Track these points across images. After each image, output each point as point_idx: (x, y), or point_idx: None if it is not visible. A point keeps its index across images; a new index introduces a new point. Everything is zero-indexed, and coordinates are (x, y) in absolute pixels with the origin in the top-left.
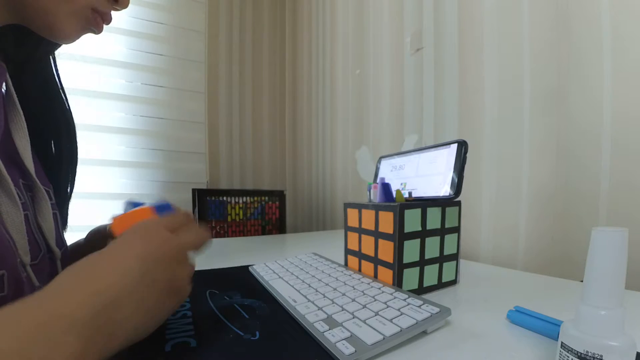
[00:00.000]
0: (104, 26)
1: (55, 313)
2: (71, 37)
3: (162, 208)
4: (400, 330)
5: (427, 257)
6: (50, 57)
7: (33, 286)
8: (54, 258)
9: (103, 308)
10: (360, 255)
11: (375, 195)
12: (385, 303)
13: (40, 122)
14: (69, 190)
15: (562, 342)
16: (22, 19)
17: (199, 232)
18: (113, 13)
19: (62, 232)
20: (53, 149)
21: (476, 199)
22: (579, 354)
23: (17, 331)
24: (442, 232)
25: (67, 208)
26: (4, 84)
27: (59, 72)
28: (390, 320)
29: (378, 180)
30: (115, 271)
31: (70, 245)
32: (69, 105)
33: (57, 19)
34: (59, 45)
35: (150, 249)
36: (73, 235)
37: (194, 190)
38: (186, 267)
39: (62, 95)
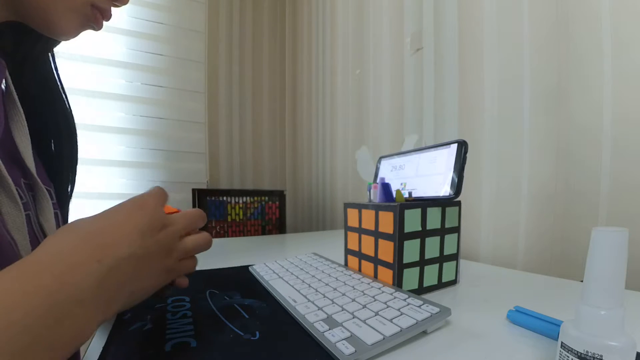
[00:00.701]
0: (104, 23)
1: (64, 281)
2: (70, 34)
3: None
4: (400, 330)
5: (427, 257)
6: (50, 55)
7: None
8: None
9: (106, 275)
10: (360, 255)
11: (375, 195)
12: (385, 303)
13: (40, 120)
14: (69, 189)
15: (562, 342)
16: (20, 16)
17: (195, 216)
18: (113, 10)
19: None
20: (53, 148)
21: (476, 199)
22: (579, 354)
23: (31, 301)
24: (442, 232)
25: (68, 207)
26: (3, 81)
27: (59, 71)
28: (390, 320)
29: (378, 180)
30: (116, 239)
31: None
32: (69, 104)
33: (55, 16)
34: (58, 42)
35: (148, 220)
36: None
37: (194, 190)
38: (177, 246)
39: (62, 94)
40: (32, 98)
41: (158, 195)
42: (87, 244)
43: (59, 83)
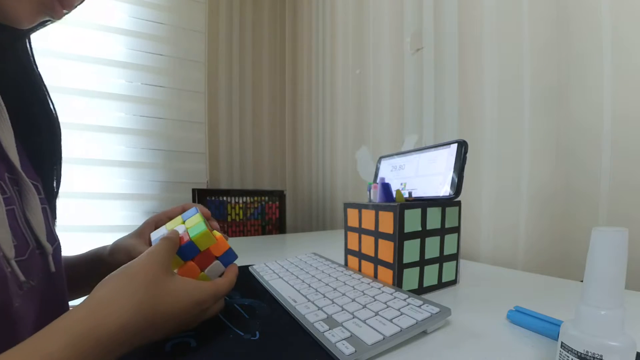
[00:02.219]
0: (69, 15)
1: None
2: (24, 21)
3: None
4: (400, 330)
5: (427, 257)
6: (29, 49)
7: (18, 281)
8: (45, 253)
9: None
10: (360, 255)
11: (375, 195)
12: (385, 303)
13: (22, 114)
14: (55, 184)
15: (562, 342)
16: None
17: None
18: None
19: (53, 227)
20: (35, 142)
21: (476, 199)
22: (579, 354)
23: None
24: (442, 232)
25: (55, 203)
26: None
27: (38, 66)
28: (390, 320)
29: (378, 180)
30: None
31: (67, 257)
32: (50, 98)
33: (7, 2)
34: (25, 33)
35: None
36: (74, 235)
37: (194, 190)
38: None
39: (43, 87)
40: (12, 91)
41: (220, 303)
42: (144, 326)
43: (39, 77)
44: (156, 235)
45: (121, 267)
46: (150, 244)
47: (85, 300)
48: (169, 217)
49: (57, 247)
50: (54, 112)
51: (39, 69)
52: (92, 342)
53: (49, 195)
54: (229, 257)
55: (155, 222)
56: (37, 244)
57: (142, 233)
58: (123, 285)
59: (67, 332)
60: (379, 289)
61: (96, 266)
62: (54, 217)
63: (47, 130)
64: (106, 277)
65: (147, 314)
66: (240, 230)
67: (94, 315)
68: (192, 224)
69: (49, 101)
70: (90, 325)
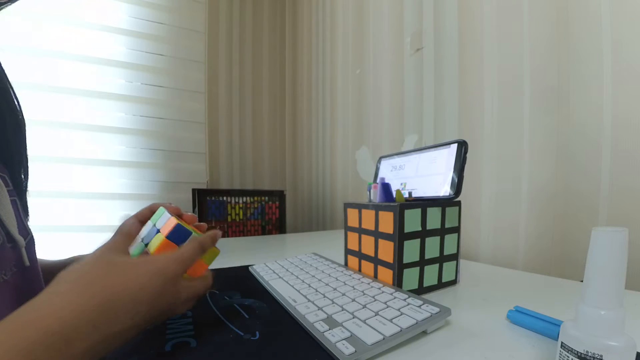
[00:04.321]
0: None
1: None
2: None
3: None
4: (400, 330)
5: (427, 257)
6: None
7: None
8: (18, 247)
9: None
10: (360, 255)
11: (375, 195)
12: (385, 303)
13: None
14: (23, 177)
15: (562, 342)
16: None
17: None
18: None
19: (25, 221)
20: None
21: (476, 199)
22: (579, 354)
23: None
24: (442, 232)
25: (26, 198)
26: None
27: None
28: (390, 320)
29: (378, 180)
30: (122, 310)
31: (48, 261)
32: (14, 93)
33: None
34: None
35: (165, 298)
36: (74, 235)
37: (194, 190)
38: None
39: (6, 83)
40: None
41: (182, 262)
42: (96, 310)
43: (1, 71)
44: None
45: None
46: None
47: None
48: (140, 221)
49: (30, 241)
50: (17, 105)
51: (1, 65)
52: (40, 335)
53: (19, 189)
54: (178, 233)
55: (129, 231)
56: (8, 238)
57: (141, 214)
58: (69, 273)
59: (14, 335)
60: (379, 289)
61: None
62: (26, 211)
63: (12, 124)
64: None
65: (98, 296)
66: (240, 230)
67: (39, 307)
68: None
69: (13, 95)
70: (34, 317)
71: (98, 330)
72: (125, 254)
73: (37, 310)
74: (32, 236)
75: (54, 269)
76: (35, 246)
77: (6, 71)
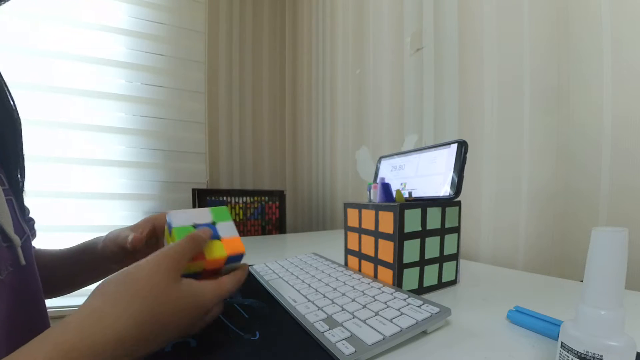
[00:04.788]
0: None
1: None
2: None
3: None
4: (400, 330)
5: (427, 257)
6: None
7: None
8: (13, 246)
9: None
10: (360, 255)
11: (375, 195)
12: (385, 303)
13: None
14: (19, 177)
15: (562, 342)
16: None
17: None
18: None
19: (21, 220)
20: None
21: (476, 199)
22: (579, 354)
23: None
24: (442, 232)
25: (22, 197)
26: None
27: None
28: (390, 320)
29: (378, 180)
30: (152, 337)
31: (52, 251)
32: (9, 93)
33: None
34: None
35: (195, 322)
36: (74, 235)
37: (194, 190)
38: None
39: (1, 82)
40: None
41: (221, 305)
42: (137, 340)
43: None
44: (176, 218)
45: (122, 271)
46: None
47: (79, 308)
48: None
49: (26, 240)
50: (13, 105)
51: None
52: (83, 356)
53: (15, 189)
54: (238, 258)
55: (154, 222)
56: (4, 237)
57: (137, 226)
58: (120, 293)
59: (57, 346)
60: (379, 289)
61: (83, 259)
62: (23, 210)
63: (7, 123)
64: (103, 282)
65: (145, 325)
66: (240, 230)
67: (86, 327)
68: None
69: (8, 94)
70: (82, 336)
71: (133, 354)
72: (175, 281)
73: (70, 337)
74: (29, 235)
75: (59, 260)
76: (32, 245)
77: (1, 71)
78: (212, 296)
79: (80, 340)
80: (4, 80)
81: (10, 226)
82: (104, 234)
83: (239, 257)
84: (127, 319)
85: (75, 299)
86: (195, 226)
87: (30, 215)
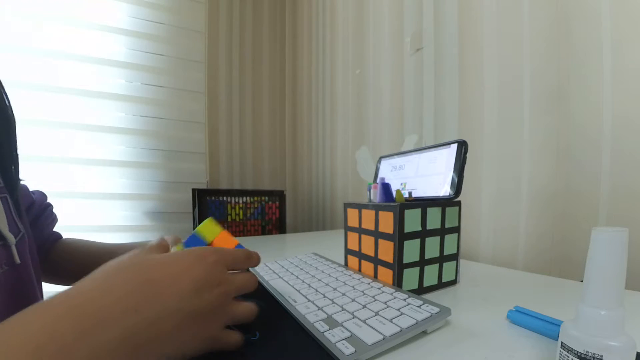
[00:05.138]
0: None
1: (84, 329)
2: None
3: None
4: (400, 330)
5: (427, 257)
6: None
7: None
8: (7, 245)
9: (139, 329)
10: (360, 255)
11: (375, 195)
12: (385, 303)
13: None
14: (14, 175)
15: (562, 342)
16: None
17: (250, 280)
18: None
19: (16, 218)
20: None
21: (476, 199)
22: (579, 354)
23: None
24: (442, 232)
25: (17, 195)
26: None
27: None
28: (390, 320)
29: (378, 180)
30: (168, 289)
31: (97, 244)
32: (4, 91)
33: None
34: None
35: (205, 275)
36: (75, 235)
37: (194, 190)
38: (226, 309)
39: None
40: None
41: (221, 253)
42: (135, 290)
43: None
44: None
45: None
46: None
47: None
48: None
49: (21, 239)
50: (7, 102)
51: None
52: (72, 319)
53: (9, 186)
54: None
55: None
56: None
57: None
58: (103, 266)
59: (48, 312)
60: (379, 289)
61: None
62: (18, 208)
63: (1, 120)
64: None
65: (135, 279)
66: (240, 230)
67: (70, 292)
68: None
69: (3, 93)
70: (64, 298)
71: (139, 313)
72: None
73: (67, 294)
74: (24, 234)
75: (98, 255)
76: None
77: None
78: (209, 249)
79: (71, 306)
80: None
81: (4, 224)
82: (104, 234)
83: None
84: (116, 279)
85: None
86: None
87: (48, 200)
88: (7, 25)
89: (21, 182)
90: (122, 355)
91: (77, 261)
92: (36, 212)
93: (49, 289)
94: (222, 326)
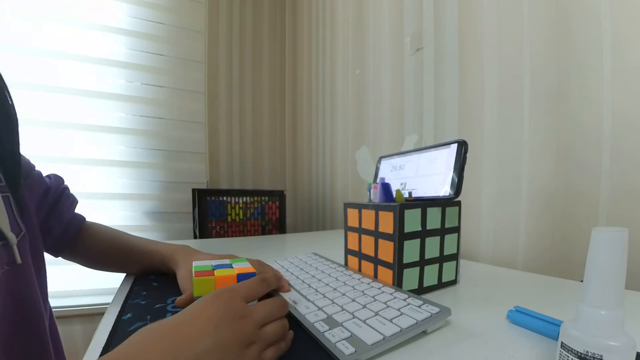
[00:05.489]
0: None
1: None
2: None
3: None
4: (400, 330)
5: (427, 257)
6: None
7: None
8: (9, 244)
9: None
10: (360, 255)
11: (375, 195)
12: (385, 303)
13: None
14: (17, 174)
15: (562, 342)
16: None
17: (275, 304)
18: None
19: (18, 218)
20: None
21: (476, 199)
22: (579, 354)
23: None
24: (442, 232)
25: (19, 195)
26: None
27: None
28: (390, 320)
29: (378, 180)
30: (191, 333)
31: (142, 240)
32: (7, 91)
33: None
34: None
35: (223, 311)
36: None
37: (194, 190)
38: (258, 342)
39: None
40: None
41: (236, 289)
42: (163, 341)
43: None
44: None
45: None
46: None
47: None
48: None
49: (23, 239)
50: (10, 102)
51: None
52: None
53: (12, 186)
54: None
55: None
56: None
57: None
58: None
59: None
60: (379, 289)
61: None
62: (21, 208)
63: (4, 120)
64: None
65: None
66: (240, 230)
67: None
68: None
69: (5, 92)
70: None
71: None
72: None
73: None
74: (25, 234)
75: (142, 253)
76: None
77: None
78: (224, 289)
79: None
80: (2, 78)
81: (6, 224)
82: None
83: (250, 275)
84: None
85: (77, 299)
86: (213, 267)
87: (66, 183)
88: (7, 25)
89: (35, 170)
90: None
91: (108, 251)
92: (53, 196)
93: (49, 289)
94: (259, 351)
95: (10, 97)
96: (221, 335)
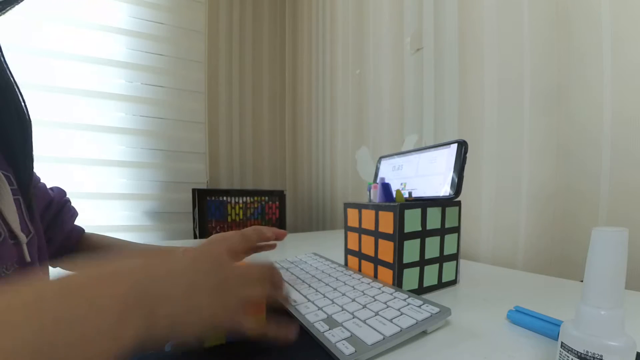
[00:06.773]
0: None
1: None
2: None
3: None
4: (400, 330)
5: (427, 257)
6: None
7: None
8: (19, 243)
9: (144, 279)
10: (360, 255)
11: (375, 195)
12: (385, 303)
13: None
14: (28, 176)
15: (562, 342)
16: None
17: (259, 270)
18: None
19: (27, 220)
20: (5, 134)
21: (476, 199)
22: (579, 354)
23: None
24: (442, 232)
25: (29, 195)
26: None
27: (7, 61)
28: (390, 320)
29: (378, 180)
30: (165, 260)
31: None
32: (20, 93)
33: None
34: None
35: (202, 256)
36: None
37: (194, 190)
38: (244, 289)
39: (12, 82)
40: None
41: (228, 241)
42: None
43: (7, 70)
44: None
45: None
46: None
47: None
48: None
49: (32, 239)
50: (23, 105)
51: (7, 64)
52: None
53: (23, 188)
54: None
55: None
56: (10, 234)
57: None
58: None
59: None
60: (379, 289)
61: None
62: (31, 210)
63: (17, 123)
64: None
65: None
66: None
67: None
68: None
69: (19, 95)
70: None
71: (148, 270)
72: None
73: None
74: (34, 235)
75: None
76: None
77: (12, 71)
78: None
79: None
80: (15, 82)
81: (17, 224)
82: (104, 234)
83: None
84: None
85: None
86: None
87: (67, 196)
88: (8, 25)
89: (40, 182)
90: (133, 307)
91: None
92: (55, 209)
93: None
94: (238, 304)
95: (24, 101)
96: (213, 275)
